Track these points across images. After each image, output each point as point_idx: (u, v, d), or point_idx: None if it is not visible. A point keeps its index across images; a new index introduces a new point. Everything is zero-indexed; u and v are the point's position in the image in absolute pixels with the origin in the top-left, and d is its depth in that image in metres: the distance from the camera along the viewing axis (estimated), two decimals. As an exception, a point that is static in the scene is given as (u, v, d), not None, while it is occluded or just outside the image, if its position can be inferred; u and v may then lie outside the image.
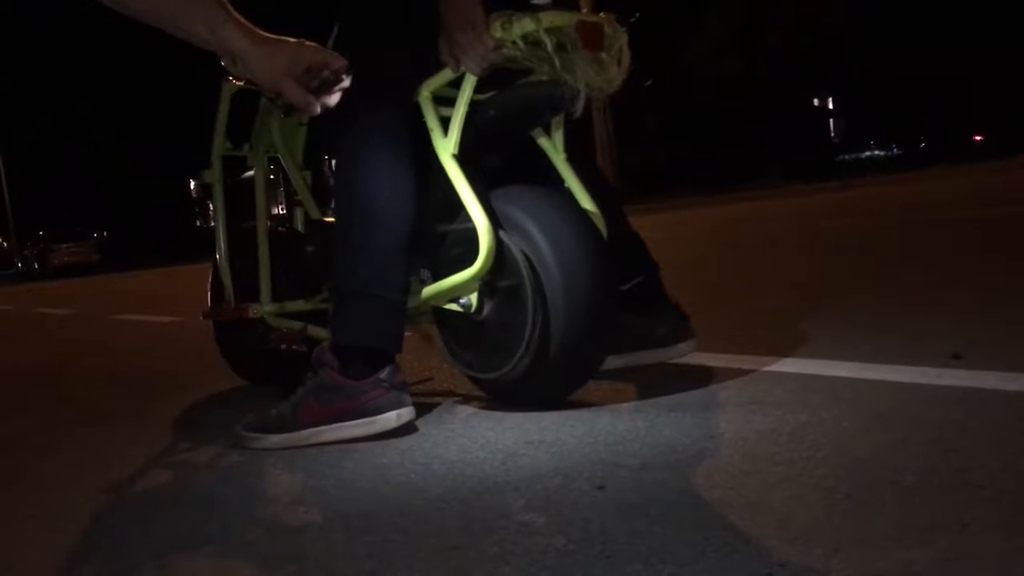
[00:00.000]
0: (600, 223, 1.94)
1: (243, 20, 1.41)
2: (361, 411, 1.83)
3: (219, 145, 2.54)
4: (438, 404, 2.09)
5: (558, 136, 2.04)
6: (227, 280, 2.55)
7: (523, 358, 1.86)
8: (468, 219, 1.87)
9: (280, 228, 2.61)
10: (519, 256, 1.84)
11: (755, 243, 6.70)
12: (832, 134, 29.60)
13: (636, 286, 2.09)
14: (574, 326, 1.81)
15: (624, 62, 1.86)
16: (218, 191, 2.58)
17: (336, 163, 1.96)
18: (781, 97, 27.29)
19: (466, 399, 2.08)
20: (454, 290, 1.92)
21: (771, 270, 4.66)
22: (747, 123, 27.06)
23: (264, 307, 2.43)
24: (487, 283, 1.90)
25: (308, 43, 1.47)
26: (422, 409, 1.96)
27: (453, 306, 1.97)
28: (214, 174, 2.56)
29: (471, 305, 1.93)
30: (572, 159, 2.06)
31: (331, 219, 2.31)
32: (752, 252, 6.04)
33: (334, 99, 1.49)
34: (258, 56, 1.40)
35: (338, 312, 1.92)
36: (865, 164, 23.20)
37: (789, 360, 2.10)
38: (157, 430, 2.23)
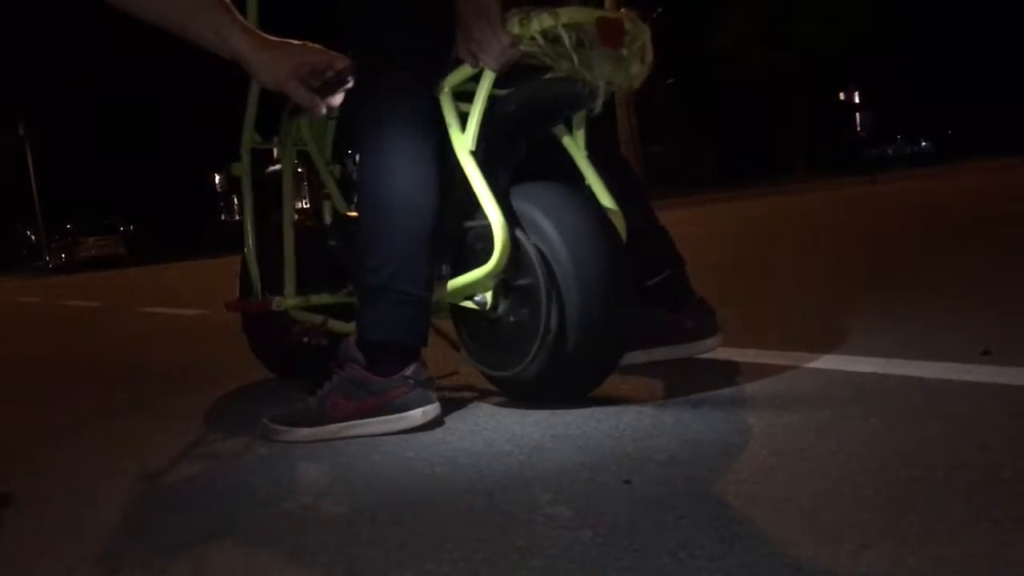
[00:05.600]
0: (620, 221, 1.94)
1: (247, 23, 1.43)
2: (388, 408, 1.84)
3: (248, 139, 2.55)
4: (463, 398, 2.10)
5: (579, 133, 2.03)
6: (254, 272, 2.57)
7: (537, 357, 1.86)
8: (485, 216, 1.87)
9: (307, 221, 2.61)
10: (534, 254, 1.84)
11: (781, 239, 6.67)
12: (859, 128, 29.37)
13: (662, 281, 2.10)
14: (589, 325, 1.80)
15: (647, 58, 1.84)
16: (247, 184, 2.59)
17: (360, 158, 1.96)
18: (807, 91, 27.08)
19: (490, 394, 2.08)
20: (469, 287, 1.93)
21: (797, 266, 4.64)
22: (772, 117, 26.86)
23: (288, 300, 2.44)
24: (502, 281, 1.90)
25: (311, 45, 1.48)
26: (447, 403, 1.97)
27: (469, 304, 1.97)
28: (243, 167, 2.58)
29: (486, 303, 1.94)
30: (597, 155, 2.04)
31: (355, 214, 2.32)
32: (778, 248, 6.01)
33: (338, 99, 1.50)
34: (262, 59, 1.42)
35: (363, 307, 1.93)
36: (892, 159, 22.89)
37: (816, 356, 2.09)
38: (185, 421, 2.25)
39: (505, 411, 1.93)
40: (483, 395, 2.10)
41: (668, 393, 1.93)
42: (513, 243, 1.85)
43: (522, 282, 1.88)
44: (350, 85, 1.55)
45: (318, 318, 2.42)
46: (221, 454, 1.92)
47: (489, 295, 1.93)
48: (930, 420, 1.50)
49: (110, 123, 32.79)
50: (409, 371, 1.86)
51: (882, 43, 27.31)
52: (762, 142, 27.08)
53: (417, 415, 1.84)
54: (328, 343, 2.54)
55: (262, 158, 2.64)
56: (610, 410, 1.82)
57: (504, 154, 1.94)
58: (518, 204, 1.90)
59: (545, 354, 1.85)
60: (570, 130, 2.04)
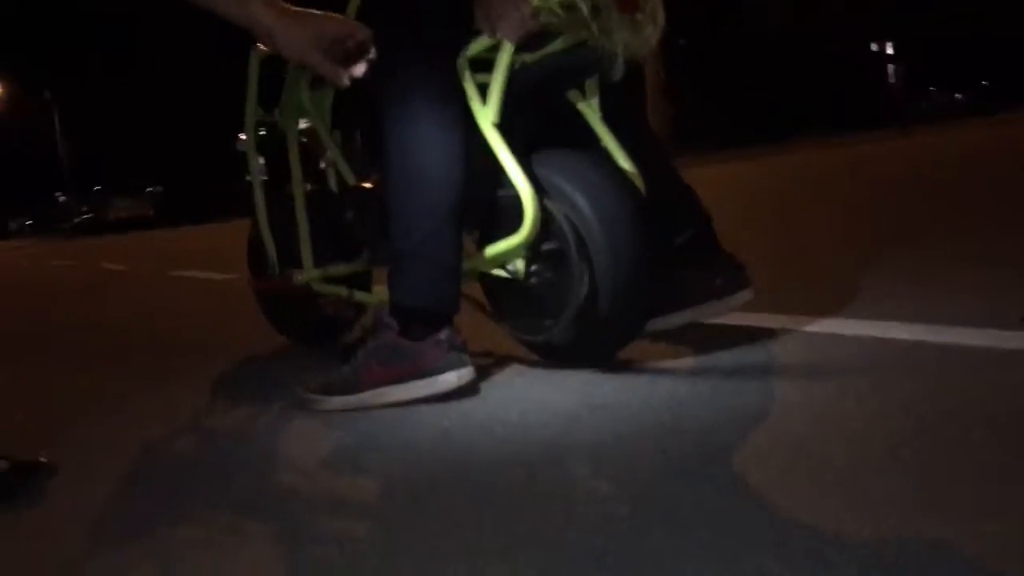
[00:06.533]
0: (638, 181, 1.94)
1: None
2: (422, 372, 1.85)
3: (251, 112, 2.55)
4: (496, 365, 2.10)
5: (594, 97, 2.03)
6: (270, 247, 2.57)
7: (571, 320, 1.88)
8: (510, 186, 1.88)
9: (316, 192, 2.60)
10: (563, 221, 1.87)
11: (808, 197, 6.59)
12: (891, 80, 28.83)
13: (689, 239, 2.08)
14: (620, 287, 1.83)
15: (659, 20, 1.85)
16: (253, 158, 2.59)
17: (385, 128, 1.96)
18: (837, 43, 26.57)
19: (522, 360, 2.09)
20: (500, 257, 1.95)
21: (827, 225, 4.58)
22: (802, 72, 26.37)
23: (309, 273, 2.45)
24: (532, 248, 1.92)
25: (333, 15, 1.48)
26: (481, 371, 1.97)
27: (500, 272, 1.99)
28: (248, 142, 2.58)
29: (518, 271, 1.96)
30: (620, 117, 2.04)
31: (367, 184, 2.32)
32: (807, 206, 5.95)
33: (360, 69, 1.49)
34: (285, 30, 1.42)
35: (395, 274, 1.94)
36: (925, 111, 22.41)
37: (850, 322, 2.06)
38: (218, 390, 2.28)
39: (538, 379, 1.93)
40: (516, 361, 2.10)
41: (701, 360, 1.92)
42: (542, 211, 1.86)
43: (551, 247, 1.90)
44: (372, 56, 1.53)
45: (342, 290, 2.43)
46: (256, 426, 1.95)
47: (520, 263, 1.96)
48: (969, 388, 1.48)
49: (137, 84, 32.87)
50: (442, 335, 1.86)
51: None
52: (791, 97, 26.60)
53: (452, 378, 1.84)
54: (355, 314, 2.56)
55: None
56: (644, 378, 1.82)
57: (523, 122, 1.96)
58: (541, 171, 1.91)
59: (578, 316, 1.87)
60: (583, 94, 2.03)
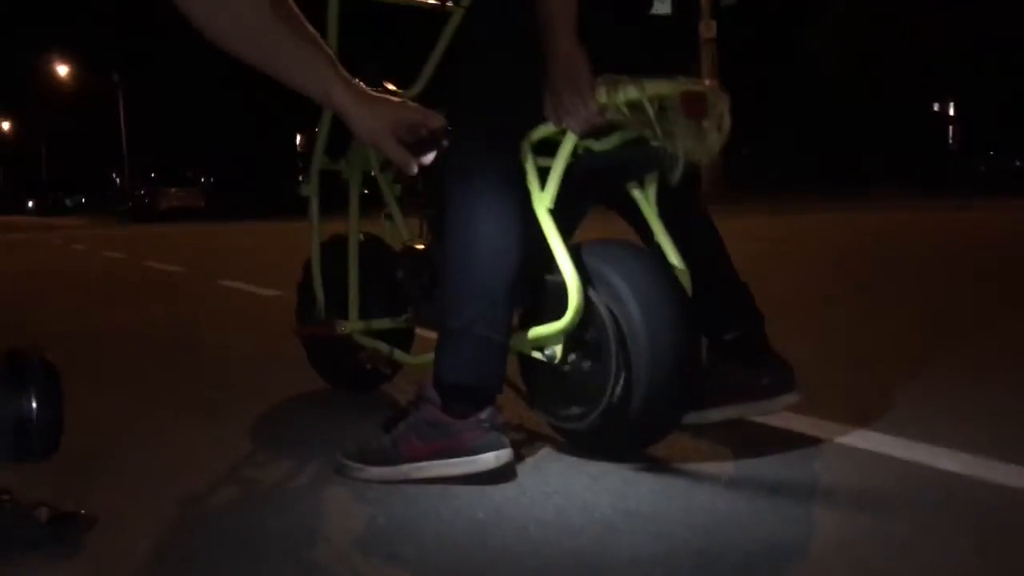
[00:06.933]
0: (686, 279, 1.96)
1: (349, 77, 1.45)
2: (461, 450, 1.86)
3: (318, 160, 2.60)
4: (530, 442, 2.10)
5: (651, 190, 2.06)
6: (319, 293, 2.62)
7: (604, 411, 1.90)
8: (558, 271, 1.91)
9: (371, 245, 2.65)
10: (605, 313, 1.89)
11: (864, 269, 6.51)
12: (950, 141, 28.43)
13: (738, 337, 2.09)
14: (655, 384, 1.85)
15: (724, 127, 1.89)
16: (314, 204, 2.64)
17: (447, 201, 1.99)
18: (899, 100, 26.25)
19: (562, 448, 2.08)
20: (540, 340, 1.98)
21: (884, 313, 4.49)
22: (861, 127, 26.04)
23: (352, 324, 2.51)
24: (571, 336, 1.95)
25: (409, 103, 1.50)
26: (516, 446, 1.98)
27: (537, 355, 2.01)
28: (312, 187, 2.63)
29: (555, 356, 1.98)
30: (677, 212, 2.07)
31: (420, 244, 2.36)
32: (860, 284, 5.86)
33: (430, 158, 1.51)
34: (362, 114, 1.44)
35: (443, 350, 1.96)
36: (983, 177, 21.97)
37: (899, 441, 2.01)
38: (260, 434, 2.30)
39: (577, 472, 1.92)
40: (555, 449, 2.09)
41: (742, 468, 1.90)
42: (586, 300, 1.89)
43: (591, 337, 1.93)
44: (445, 144, 1.55)
45: (384, 347, 2.48)
46: (294, 486, 1.96)
47: (559, 348, 1.98)
48: (1011, 541, 1.45)
49: (202, 76, 33.43)
50: (484, 415, 1.87)
51: (983, 50, 26.16)
52: (848, 153, 26.25)
53: (490, 459, 1.85)
54: (391, 372, 2.60)
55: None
56: (682, 484, 1.81)
57: (576, 209, 2.03)
58: (589, 260, 1.94)
59: (612, 409, 1.89)
60: (642, 186, 2.06)
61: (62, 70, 46.57)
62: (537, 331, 1.97)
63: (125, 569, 1.53)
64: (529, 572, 1.42)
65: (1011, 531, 1.52)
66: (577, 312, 1.89)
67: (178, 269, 7.96)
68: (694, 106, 1.84)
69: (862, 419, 2.18)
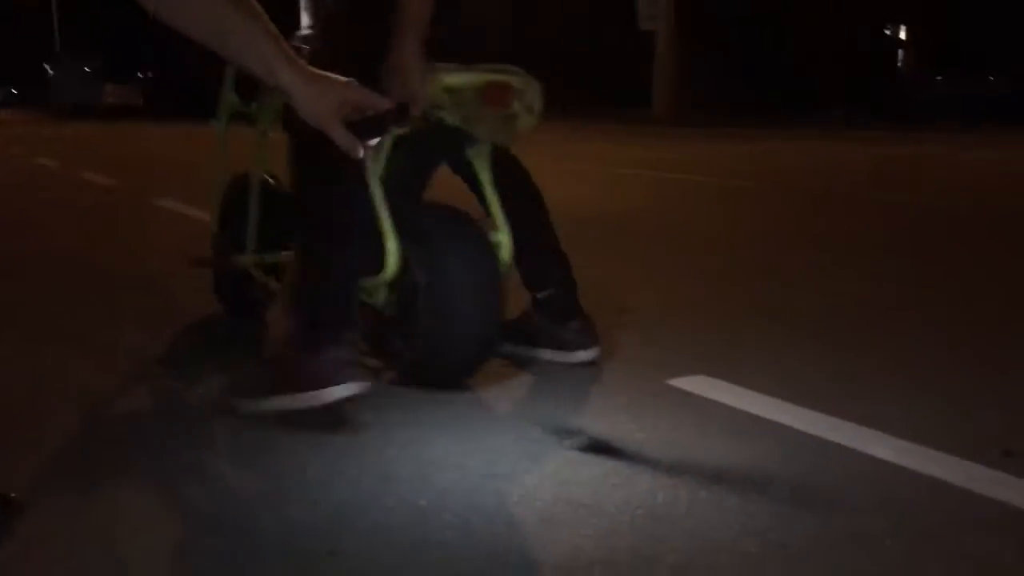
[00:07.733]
0: (507, 240, 2.33)
1: (294, 56, 1.40)
2: (316, 382, 1.99)
3: (226, 102, 2.76)
4: (474, 425, 2.11)
5: (483, 165, 2.36)
6: (214, 227, 2.88)
7: (414, 346, 2.25)
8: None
9: (270, 182, 2.79)
10: (423, 266, 2.22)
11: (818, 212, 6.53)
12: (899, 66, 28.49)
13: (548, 296, 2.46)
14: (462, 324, 2.20)
15: (536, 108, 2.24)
16: (223, 143, 2.82)
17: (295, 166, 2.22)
18: (853, 23, 26.11)
19: (507, 422, 2.07)
20: (369, 290, 2.29)
21: (815, 269, 4.51)
22: (810, 51, 25.84)
23: (247, 258, 2.72)
24: (391, 285, 2.28)
25: (356, 84, 1.45)
26: (468, 436, 1.99)
27: (369, 301, 2.31)
28: (220, 127, 2.79)
29: (380, 302, 2.32)
30: (510, 184, 2.40)
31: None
32: (815, 229, 5.87)
33: (376, 141, 1.47)
34: (308, 94, 1.40)
35: (297, 286, 2.15)
36: (933, 104, 21.99)
37: (831, 421, 2.04)
38: (170, 381, 2.26)
39: (520, 456, 1.91)
40: (499, 424, 2.09)
41: (683, 454, 1.91)
42: (405, 256, 2.22)
43: (408, 286, 2.26)
44: (392, 129, 1.51)
45: (274, 285, 2.62)
46: (214, 455, 1.94)
47: (382, 296, 2.31)
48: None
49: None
50: (340, 349, 2.02)
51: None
52: (797, 77, 26.11)
53: (342, 390, 2.00)
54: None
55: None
56: (624, 471, 1.82)
57: (411, 182, 2.35)
58: (422, 222, 2.25)
59: (425, 347, 2.24)
60: (472, 161, 2.35)
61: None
62: (367, 282, 2.25)
63: (54, 557, 1.50)
64: (471, 559, 1.46)
65: (994, 551, 1.55)
66: (395, 265, 2.20)
67: (112, 183, 7.71)
68: (496, 97, 2.17)
69: (797, 396, 2.20)
